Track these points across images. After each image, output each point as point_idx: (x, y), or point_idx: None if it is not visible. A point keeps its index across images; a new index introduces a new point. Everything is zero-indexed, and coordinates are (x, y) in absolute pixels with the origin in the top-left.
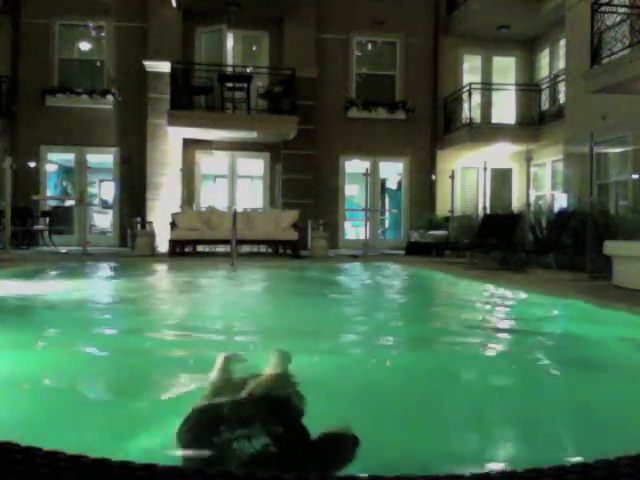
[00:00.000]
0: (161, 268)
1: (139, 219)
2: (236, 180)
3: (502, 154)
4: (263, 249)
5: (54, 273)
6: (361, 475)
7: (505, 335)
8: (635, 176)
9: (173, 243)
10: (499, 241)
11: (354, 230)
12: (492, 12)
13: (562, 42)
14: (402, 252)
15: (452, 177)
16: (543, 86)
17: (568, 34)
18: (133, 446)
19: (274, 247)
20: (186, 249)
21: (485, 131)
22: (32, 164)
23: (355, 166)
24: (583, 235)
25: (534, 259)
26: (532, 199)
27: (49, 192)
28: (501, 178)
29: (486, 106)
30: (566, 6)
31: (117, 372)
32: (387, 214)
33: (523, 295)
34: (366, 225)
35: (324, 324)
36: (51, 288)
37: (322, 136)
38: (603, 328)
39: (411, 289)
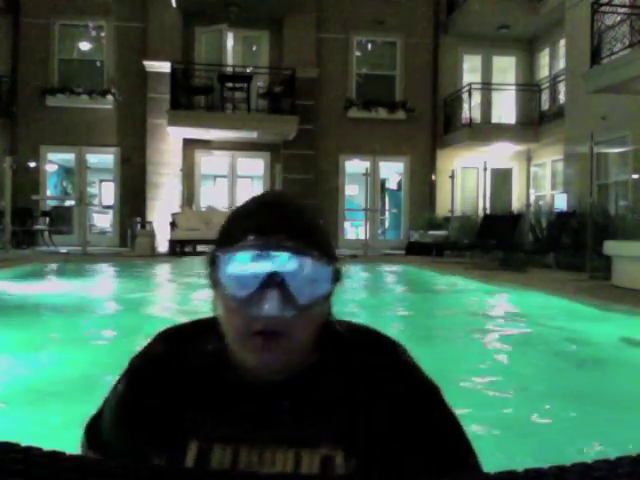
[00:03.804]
0: (157, 270)
1: (139, 219)
2: (236, 180)
3: (502, 154)
4: None
5: (53, 273)
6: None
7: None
8: (635, 176)
9: (173, 243)
10: (499, 241)
11: (354, 230)
12: (492, 12)
13: (562, 42)
14: (402, 252)
15: (452, 177)
16: (543, 86)
17: (568, 34)
18: None
19: None
20: (186, 249)
21: (485, 131)
22: (32, 164)
23: (355, 166)
24: (583, 235)
25: (534, 259)
26: (532, 199)
27: (49, 192)
28: (501, 178)
29: (486, 106)
30: (566, 6)
31: None
32: (387, 214)
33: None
34: (366, 225)
35: None
36: (50, 288)
37: (322, 136)
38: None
39: (426, 293)
